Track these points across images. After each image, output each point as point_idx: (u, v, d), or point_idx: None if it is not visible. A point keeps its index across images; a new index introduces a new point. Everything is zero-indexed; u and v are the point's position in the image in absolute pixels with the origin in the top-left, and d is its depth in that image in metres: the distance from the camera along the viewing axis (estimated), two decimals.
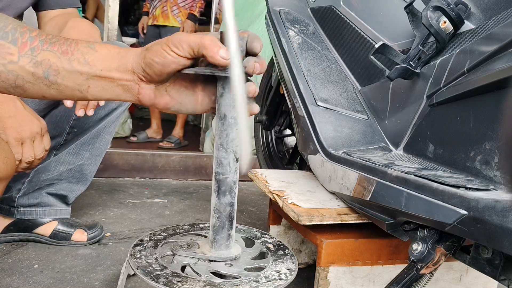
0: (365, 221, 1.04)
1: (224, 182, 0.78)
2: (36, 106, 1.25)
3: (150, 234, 0.96)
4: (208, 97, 0.69)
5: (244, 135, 0.62)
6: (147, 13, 3.54)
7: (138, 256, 0.84)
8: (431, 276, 0.87)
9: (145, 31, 3.63)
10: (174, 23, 3.36)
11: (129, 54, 0.62)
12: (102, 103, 1.15)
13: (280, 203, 1.11)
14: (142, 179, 2.28)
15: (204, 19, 5.08)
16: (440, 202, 0.75)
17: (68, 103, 1.11)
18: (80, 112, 1.12)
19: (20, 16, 1.26)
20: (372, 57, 1.02)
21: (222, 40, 0.66)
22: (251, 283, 0.78)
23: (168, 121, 4.21)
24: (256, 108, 0.71)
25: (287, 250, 0.97)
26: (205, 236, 0.94)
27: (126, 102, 1.39)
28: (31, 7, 1.29)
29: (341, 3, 1.30)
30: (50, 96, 0.63)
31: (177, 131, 3.31)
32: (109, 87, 0.63)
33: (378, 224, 0.96)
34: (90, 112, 1.14)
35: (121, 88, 0.63)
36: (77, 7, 1.37)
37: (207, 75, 0.68)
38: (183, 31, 3.27)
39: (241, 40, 0.67)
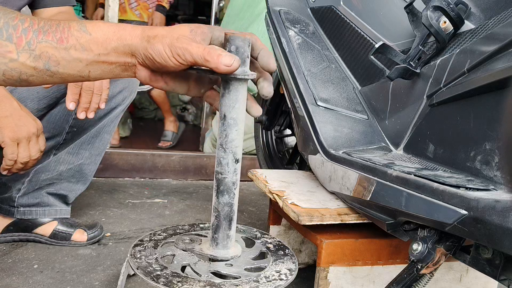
0: (365, 221, 1.04)
1: (223, 181, 0.78)
2: (35, 106, 1.25)
3: (150, 234, 0.96)
4: (198, 88, 0.71)
5: None
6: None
7: (138, 256, 0.84)
8: (431, 276, 0.87)
9: None
10: (132, 17, 3.22)
11: (128, 36, 0.62)
12: (103, 106, 1.15)
13: (280, 203, 1.11)
14: (142, 179, 2.28)
15: (204, 19, 5.08)
16: (440, 202, 0.75)
17: (71, 106, 1.11)
18: (81, 115, 1.13)
19: None
20: (372, 57, 1.02)
21: (225, 40, 0.67)
22: (251, 283, 0.78)
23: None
24: (259, 110, 0.73)
25: (287, 250, 0.97)
26: (205, 236, 0.94)
27: (125, 102, 1.39)
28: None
29: (341, 3, 1.30)
30: (55, 83, 0.66)
31: (168, 125, 3.21)
32: (108, 69, 0.64)
33: (378, 224, 0.96)
34: (91, 115, 1.14)
35: (120, 69, 0.64)
36: (73, 5, 1.37)
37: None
38: (152, 24, 3.10)
39: (243, 41, 0.67)
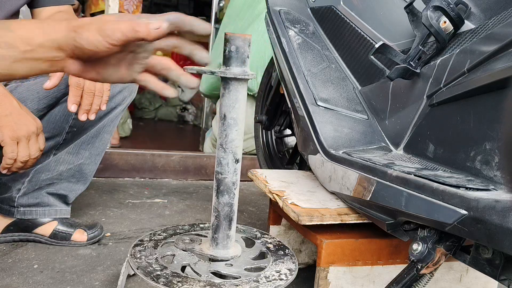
0: (365, 221, 1.04)
1: (223, 182, 0.79)
2: (35, 106, 1.25)
3: (150, 234, 0.96)
4: (130, 73, 0.71)
5: None
6: None
7: (138, 256, 0.84)
8: (431, 276, 0.87)
9: None
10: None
11: (53, 31, 0.61)
12: (103, 107, 1.15)
13: (280, 203, 1.11)
14: (142, 179, 2.28)
15: (204, 19, 5.09)
16: (440, 202, 0.75)
17: (72, 108, 1.11)
18: (83, 117, 1.13)
19: (16, 14, 1.26)
20: (372, 57, 1.02)
21: (225, 40, 0.67)
22: (251, 283, 0.78)
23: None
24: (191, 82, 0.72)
25: (287, 250, 0.97)
26: (205, 236, 0.94)
27: (125, 102, 1.39)
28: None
29: (341, 3, 1.30)
30: None
31: None
32: (35, 66, 0.63)
33: (378, 224, 0.96)
34: (92, 117, 1.14)
35: (47, 64, 0.63)
36: (72, 4, 1.37)
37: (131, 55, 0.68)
38: None
39: (243, 41, 0.67)
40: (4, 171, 1.08)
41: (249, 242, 0.99)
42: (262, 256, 0.93)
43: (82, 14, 3.85)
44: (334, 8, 1.31)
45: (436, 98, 0.93)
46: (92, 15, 3.23)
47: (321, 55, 1.29)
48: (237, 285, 0.76)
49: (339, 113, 1.17)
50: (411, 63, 1.00)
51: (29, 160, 1.07)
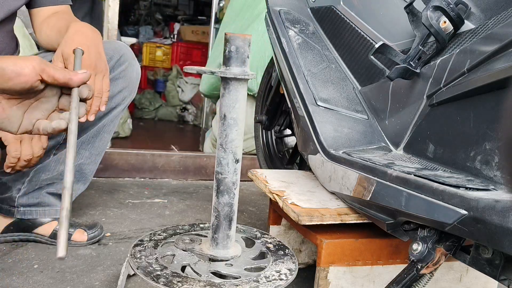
0: (365, 221, 1.04)
1: (223, 181, 0.79)
2: None
3: (150, 234, 0.96)
4: (30, 121, 0.71)
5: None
6: None
7: (138, 256, 0.84)
8: (431, 276, 0.87)
9: None
10: None
11: None
12: (103, 108, 1.15)
13: (280, 203, 1.11)
14: (142, 179, 2.28)
15: (204, 19, 5.09)
16: (440, 202, 0.75)
17: None
18: (82, 119, 1.12)
19: (13, 15, 1.26)
20: (372, 57, 1.02)
21: (225, 40, 0.67)
22: (251, 283, 0.78)
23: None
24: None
25: (287, 250, 0.97)
26: (205, 236, 0.94)
27: (125, 102, 1.39)
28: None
29: (341, 3, 1.30)
30: None
31: None
32: None
33: (378, 224, 0.96)
34: (92, 118, 1.14)
35: None
36: (70, 4, 1.37)
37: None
38: None
39: (243, 41, 0.67)
40: (8, 170, 1.08)
41: (249, 242, 0.99)
42: (262, 256, 0.93)
43: None
44: (334, 8, 1.31)
45: (436, 98, 0.93)
46: None
47: (321, 55, 1.29)
48: (237, 285, 0.76)
49: (339, 113, 1.17)
50: (411, 63, 1.00)
51: (33, 159, 1.08)
